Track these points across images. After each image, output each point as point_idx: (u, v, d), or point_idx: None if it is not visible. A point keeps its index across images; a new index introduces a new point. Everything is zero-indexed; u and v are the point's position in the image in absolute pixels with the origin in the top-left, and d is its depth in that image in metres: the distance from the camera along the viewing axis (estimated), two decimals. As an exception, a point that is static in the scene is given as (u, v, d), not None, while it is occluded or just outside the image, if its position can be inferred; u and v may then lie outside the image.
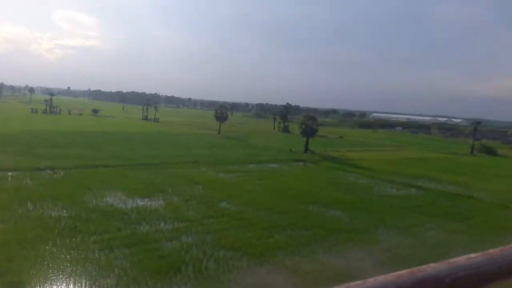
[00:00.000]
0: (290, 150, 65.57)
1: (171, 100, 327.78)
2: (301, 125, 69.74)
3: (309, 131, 67.78)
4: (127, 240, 20.10)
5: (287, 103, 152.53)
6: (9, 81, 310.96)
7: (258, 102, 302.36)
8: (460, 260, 1.03)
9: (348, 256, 21.06)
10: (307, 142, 67.02)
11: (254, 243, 21.51)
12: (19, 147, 47.52)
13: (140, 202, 27.60)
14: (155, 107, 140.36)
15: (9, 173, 33.44)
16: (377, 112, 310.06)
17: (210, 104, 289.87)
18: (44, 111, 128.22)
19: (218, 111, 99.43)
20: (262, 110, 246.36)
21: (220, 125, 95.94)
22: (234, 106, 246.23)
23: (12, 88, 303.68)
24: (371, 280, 0.88)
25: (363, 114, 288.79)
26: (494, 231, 26.31)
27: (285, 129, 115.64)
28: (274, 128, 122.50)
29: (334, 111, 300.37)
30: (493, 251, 1.13)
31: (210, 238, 21.82)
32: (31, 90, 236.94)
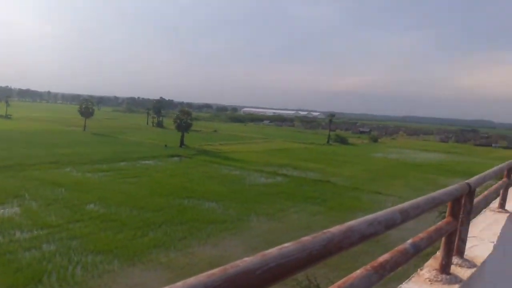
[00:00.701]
0: (165, 145, 64.48)
1: (26, 94, 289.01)
2: (176, 120, 69.15)
3: (184, 126, 67.63)
4: (-27, 256, 17.51)
5: (161, 97, 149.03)
6: None
7: (129, 96, 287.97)
8: (273, 251, 1.07)
9: (222, 245, 22.02)
10: (182, 137, 66.76)
11: (126, 244, 20.87)
12: None
13: (-12, 212, 24.12)
14: (6, 102, 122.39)
15: None
16: (247, 107, 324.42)
17: (74, 98, 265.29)
18: None
19: (83, 106, 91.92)
20: (134, 105, 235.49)
21: (85, 120, 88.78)
22: (102, 100, 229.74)
23: None
24: (179, 284, 0.84)
25: (235, 109, 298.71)
26: (347, 211, 30.40)
27: (159, 124, 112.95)
28: (147, 123, 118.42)
29: (208, 106, 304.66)
30: (306, 239, 1.19)
31: (76, 243, 20.40)
32: None
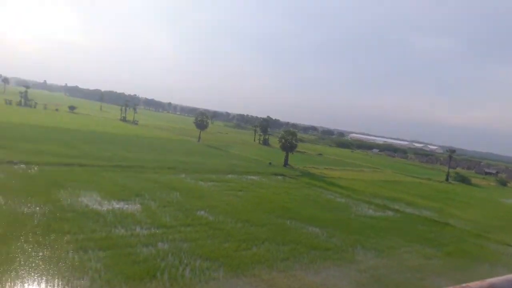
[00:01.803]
0: (270, 163, 65.61)
1: (151, 103, 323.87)
2: (281, 139, 70.09)
3: (289, 146, 68.13)
4: (102, 243, 19.39)
5: (268, 116, 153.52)
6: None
7: (239, 113, 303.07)
8: (499, 280, 1.04)
9: (325, 274, 20.96)
10: (286, 157, 67.28)
11: (231, 255, 21.15)
12: (-9, 138, 45.63)
13: (115, 205, 26.81)
14: (134, 109, 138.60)
15: (-21, 165, 31.95)
16: (355, 133, 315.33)
17: (191, 111, 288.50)
18: (19, 103, 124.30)
19: (199, 118, 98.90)
20: (243, 121, 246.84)
21: (200, 132, 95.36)
22: (215, 115, 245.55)
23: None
24: None
25: (341, 134, 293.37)
26: (469, 260, 26.82)
27: (265, 142, 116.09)
28: (254, 140, 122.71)
29: (314, 128, 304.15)
30: None
31: (186, 246, 21.33)
32: (5, 80, 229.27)
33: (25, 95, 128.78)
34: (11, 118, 76.79)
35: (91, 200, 26.90)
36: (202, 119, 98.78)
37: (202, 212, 28.65)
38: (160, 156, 55.25)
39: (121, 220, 23.50)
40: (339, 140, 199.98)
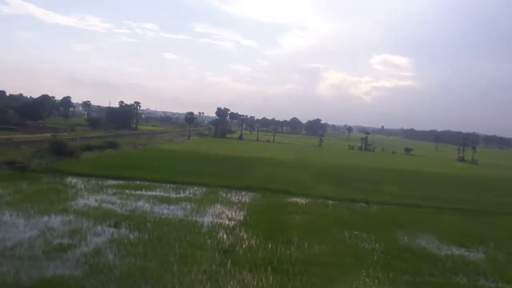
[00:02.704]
0: None
1: (493, 140, 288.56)
2: None
3: None
4: (441, 289, 18.27)
5: None
6: (331, 121, 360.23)
7: None
8: None
9: None
10: None
11: None
12: (338, 179, 53.66)
13: (455, 251, 24.82)
14: (473, 148, 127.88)
15: (330, 201, 37.87)
16: None
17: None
18: (360, 148, 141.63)
19: (562, 154, 79.18)
20: None
21: None
22: None
23: (333, 127, 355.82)
24: None
25: None
26: None
27: None
28: None
29: None
30: None
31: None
32: (349, 129, 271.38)
33: (365, 140, 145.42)
34: (354, 161, 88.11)
35: (428, 243, 26.13)
36: None
37: None
38: (506, 199, 47.79)
39: (461, 268, 21.41)
40: None
